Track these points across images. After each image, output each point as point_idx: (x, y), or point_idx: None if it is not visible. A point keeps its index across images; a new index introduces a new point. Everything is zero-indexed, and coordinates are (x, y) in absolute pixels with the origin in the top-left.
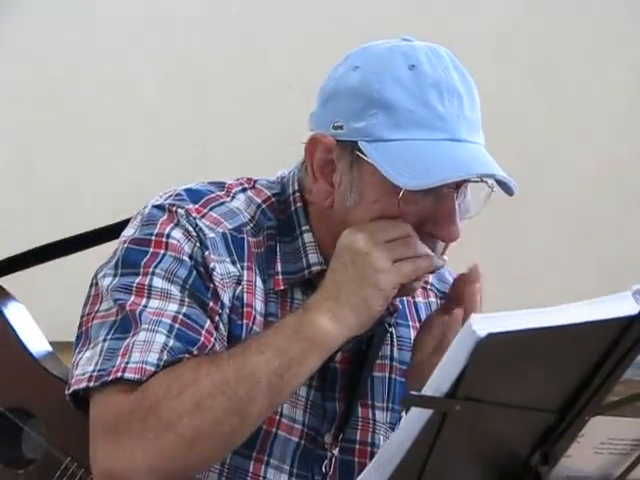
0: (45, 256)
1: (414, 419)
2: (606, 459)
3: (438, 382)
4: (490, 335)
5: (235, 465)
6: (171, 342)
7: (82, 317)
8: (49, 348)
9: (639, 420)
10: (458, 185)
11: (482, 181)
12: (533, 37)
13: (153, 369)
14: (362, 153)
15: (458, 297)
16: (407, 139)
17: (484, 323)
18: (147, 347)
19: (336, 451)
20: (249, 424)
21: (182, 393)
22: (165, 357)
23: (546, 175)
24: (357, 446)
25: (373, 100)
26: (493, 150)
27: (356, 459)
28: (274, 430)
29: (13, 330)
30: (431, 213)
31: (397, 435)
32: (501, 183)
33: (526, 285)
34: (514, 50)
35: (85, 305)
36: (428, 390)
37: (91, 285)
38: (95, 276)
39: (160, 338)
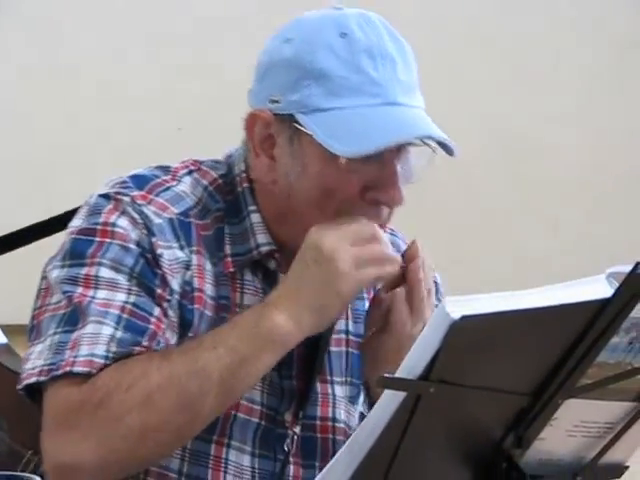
0: None
1: (387, 401)
2: (579, 442)
3: (411, 364)
4: (464, 317)
5: (196, 449)
6: (119, 334)
7: (34, 310)
8: (3, 340)
9: (612, 403)
10: (399, 149)
11: (425, 144)
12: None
13: (102, 361)
14: (300, 125)
15: (403, 273)
16: (343, 107)
17: (458, 305)
18: (95, 340)
19: (297, 429)
20: (200, 420)
21: (132, 387)
22: (113, 349)
23: None
24: (318, 422)
25: (306, 71)
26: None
27: (318, 435)
28: (233, 412)
29: None
30: (374, 179)
31: (370, 417)
32: (443, 145)
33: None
34: None
35: (36, 298)
36: (401, 372)
37: (41, 278)
38: (44, 269)
39: (107, 330)
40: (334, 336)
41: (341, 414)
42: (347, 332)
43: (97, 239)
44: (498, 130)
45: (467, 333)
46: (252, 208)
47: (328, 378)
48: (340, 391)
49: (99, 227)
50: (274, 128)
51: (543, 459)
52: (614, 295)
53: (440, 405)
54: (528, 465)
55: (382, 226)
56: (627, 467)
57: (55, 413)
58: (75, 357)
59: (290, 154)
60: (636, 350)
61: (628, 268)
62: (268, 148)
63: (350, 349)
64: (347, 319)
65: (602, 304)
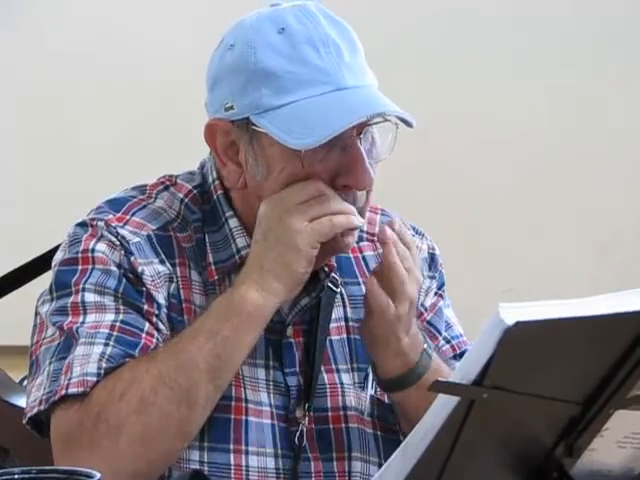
0: None
1: (441, 406)
2: (629, 453)
3: (466, 369)
4: (518, 323)
5: (215, 462)
6: (109, 350)
7: (31, 346)
8: None
9: None
10: (360, 131)
11: (386, 120)
12: None
13: (95, 379)
14: (256, 127)
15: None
16: (295, 101)
17: (512, 311)
18: (86, 360)
19: (310, 423)
20: (198, 410)
21: (125, 394)
22: (104, 365)
23: None
24: (330, 413)
25: (253, 73)
26: None
27: (331, 426)
28: (244, 418)
29: None
30: (341, 165)
31: (425, 421)
32: (404, 120)
33: None
34: None
35: (32, 335)
36: (455, 377)
37: (35, 314)
38: (36, 305)
39: (97, 349)
40: (333, 325)
41: (352, 401)
42: (346, 319)
43: (79, 267)
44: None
45: (521, 339)
46: (229, 214)
47: (333, 367)
48: (347, 378)
49: (80, 255)
50: (234, 134)
51: (594, 469)
52: None
53: (493, 411)
54: (579, 475)
55: (374, 209)
56: None
57: (58, 437)
58: (69, 380)
59: (253, 157)
60: None
61: None
62: (233, 155)
63: (352, 335)
64: (344, 306)
65: None
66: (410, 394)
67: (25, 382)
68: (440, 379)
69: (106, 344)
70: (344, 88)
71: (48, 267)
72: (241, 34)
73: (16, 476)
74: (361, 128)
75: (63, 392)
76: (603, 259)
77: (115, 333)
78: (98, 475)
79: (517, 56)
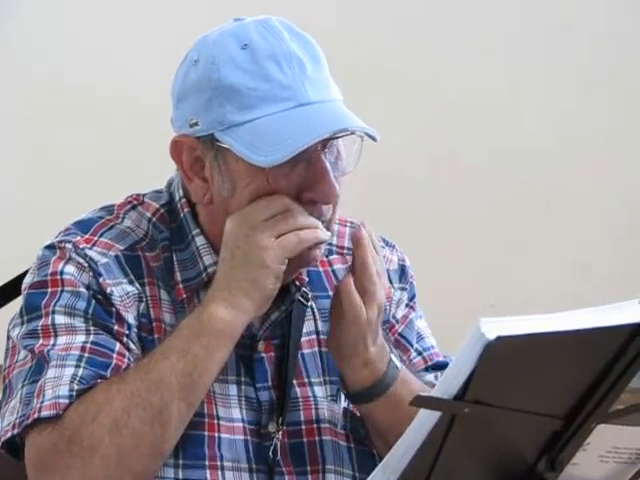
0: None
1: (422, 421)
2: (612, 468)
3: (447, 384)
4: (499, 338)
5: (190, 479)
6: (80, 371)
7: (5, 370)
8: None
9: None
10: (324, 145)
11: (351, 132)
12: None
13: (67, 401)
14: (220, 143)
15: (353, 260)
16: (257, 117)
17: (493, 326)
18: (57, 382)
19: (284, 437)
20: (172, 429)
21: (97, 415)
22: (76, 387)
23: None
24: (303, 427)
25: (216, 89)
26: None
27: (305, 439)
28: (216, 434)
29: None
30: (306, 179)
31: (406, 436)
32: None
33: None
34: None
35: (5, 358)
36: (437, 392)
37: (7, 338)
38: (8, 328)
39: (69, 371)
40: (304, 338)
41: (325, 414)
42: (317, 332)
43: (49, 290)
44: None
45: (502, 354)
46: (196, 232)
47: (305, 380)
48: (320, 391)
49: (49, 278)
50: (199, 150)
51: None
52: None
53: (474, 425)
54: None
55: (343, 221)
56: None
57: (32, 461)
58: (42, 403)
59: (219, 173)
60: None
61: None
62: (199, 171)
63: (323, 349)
64: (315, 320)
65: (635, 328)
66: (379, 406)
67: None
68: (421, 394)
69: (77, 366)
70: (307, 103)
71: (18, 293)
72: (204, 50)
73: None
74: (326, 142)
75: (36, 415)
76: (584, 277)
77: (86, 354)
78: None
79: (497, 76)
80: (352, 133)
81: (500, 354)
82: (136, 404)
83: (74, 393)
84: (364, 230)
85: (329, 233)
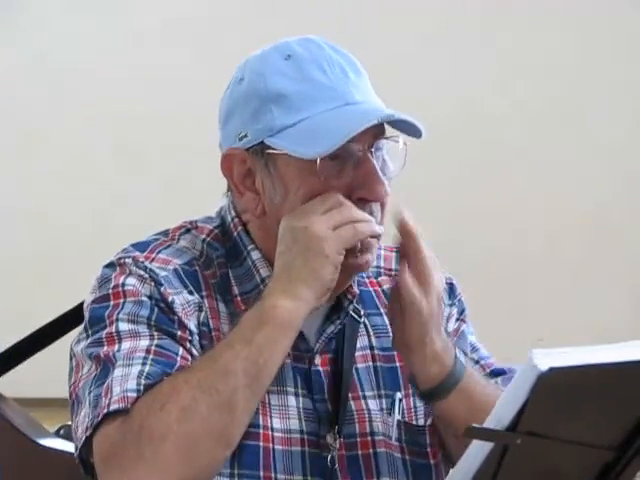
0: (20, 355)
1: (476, 451)
2: None
3: (499, 415)
4: (552, 369)
5: None
6: (147, 368)
7: (69, 387)
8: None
9: None
10: (370, 145)
11: (395, 141)
12: None
13: (135, 394)
14: (271, 148)
15: (403, 254)
16: (307, 117)
17: (545, 357)
18: (125, 379)
19: (340, 449)
20: (239, 416)
21: (165, 404)
22: (144, 382)
23: None
24: (358, 439)
25: (263, 98)
26: None
27: (360, 452)
28: (271, 446)
29: None
30: (355, 179)
31: (459, 467)
32: (411, 132)
33: None
34: None
35: (69, 377)
36: (489, 423)
37: (70, 358)
38: (71, 348)
39: (135, 369)
40: (358, 353)
41: (379, 427)
42: (371, 347)
43: (112, 302)
44: None
45: (554, 385)
46: (250, 247)
47: (360, 394)
48: (374, 405)
49: (111, 291)
50: (249, 162)
51: None
52: None
53: (526, 457)
54: None
55: (389, 248)
56: None
57: (102, 453)
58: (110, 399)
59: (270, 181)
60: None
61: None
62: (250, 184)
63: (378, 363)
64: (369, 335)
65: None
66: (452, 401)
67: (62, 431)
68: (474, 425)
69: (144, 363)
70: (354, 103)
71: (75, 325)
72: (249, 67)
73: None
74: (372, 142)
75: (105, 411)
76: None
77: (151, 355)
78: None
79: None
80: (395, 141)
81: (552, 385)
82: (203, 391)
83: (142, 387)
84: (411, 222)
85: (382, 228)
